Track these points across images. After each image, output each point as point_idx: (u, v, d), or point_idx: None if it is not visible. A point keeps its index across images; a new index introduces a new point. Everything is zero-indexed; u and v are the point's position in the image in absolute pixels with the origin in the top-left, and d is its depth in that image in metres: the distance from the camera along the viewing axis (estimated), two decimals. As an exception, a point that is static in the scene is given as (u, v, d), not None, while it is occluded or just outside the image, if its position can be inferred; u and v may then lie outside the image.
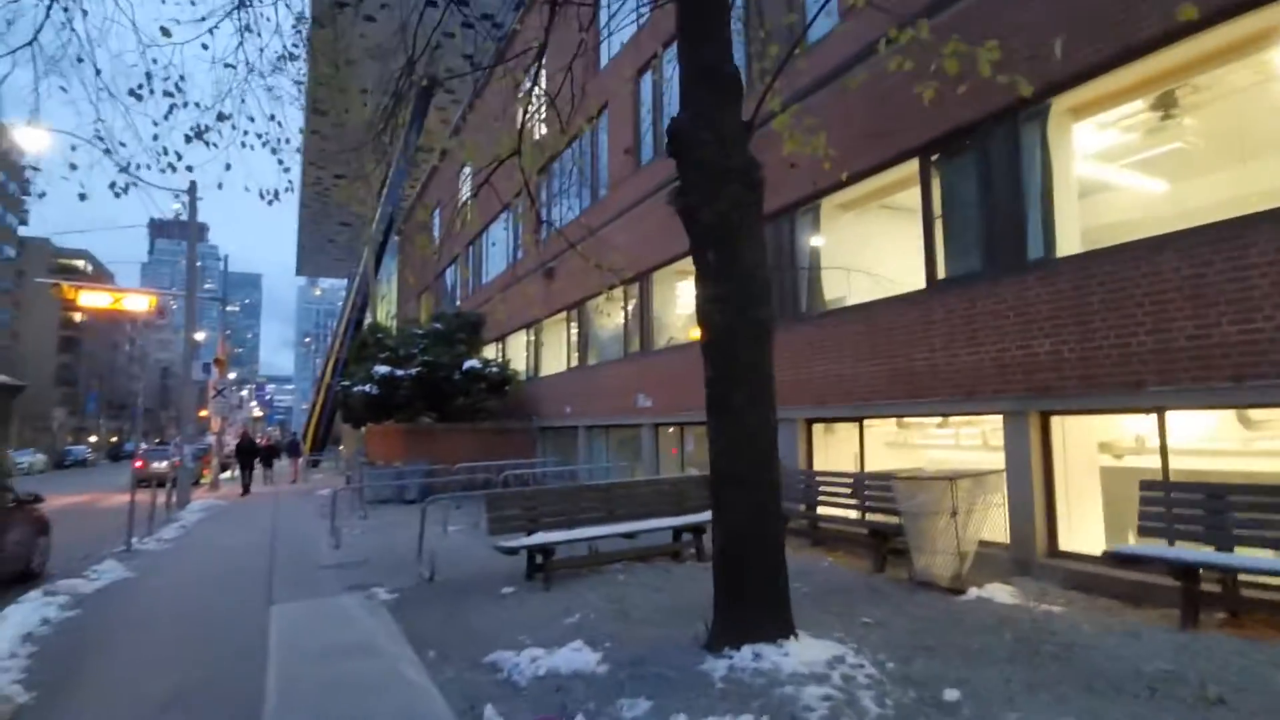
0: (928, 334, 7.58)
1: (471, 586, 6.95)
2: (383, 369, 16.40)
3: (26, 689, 4.62)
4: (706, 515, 7.90)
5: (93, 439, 70.70)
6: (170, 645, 5.55)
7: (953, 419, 8.10)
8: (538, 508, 7.08)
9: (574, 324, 16.90)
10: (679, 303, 13.89)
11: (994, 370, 6.82)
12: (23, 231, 69.19)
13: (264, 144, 6.18)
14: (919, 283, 7.88)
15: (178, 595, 7.39)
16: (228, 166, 6.33)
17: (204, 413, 27.37)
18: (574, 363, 16.69)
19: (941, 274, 7.64)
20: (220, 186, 6.48)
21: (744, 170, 4.37)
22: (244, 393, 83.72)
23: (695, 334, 13.65)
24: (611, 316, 15.65)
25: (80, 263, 74.06)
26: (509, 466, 14.29)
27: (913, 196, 8.70)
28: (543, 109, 12.48)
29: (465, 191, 27.87)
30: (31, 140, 15.80)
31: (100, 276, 72.60)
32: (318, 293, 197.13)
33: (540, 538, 6.73)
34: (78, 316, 74.78)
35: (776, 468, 4.40)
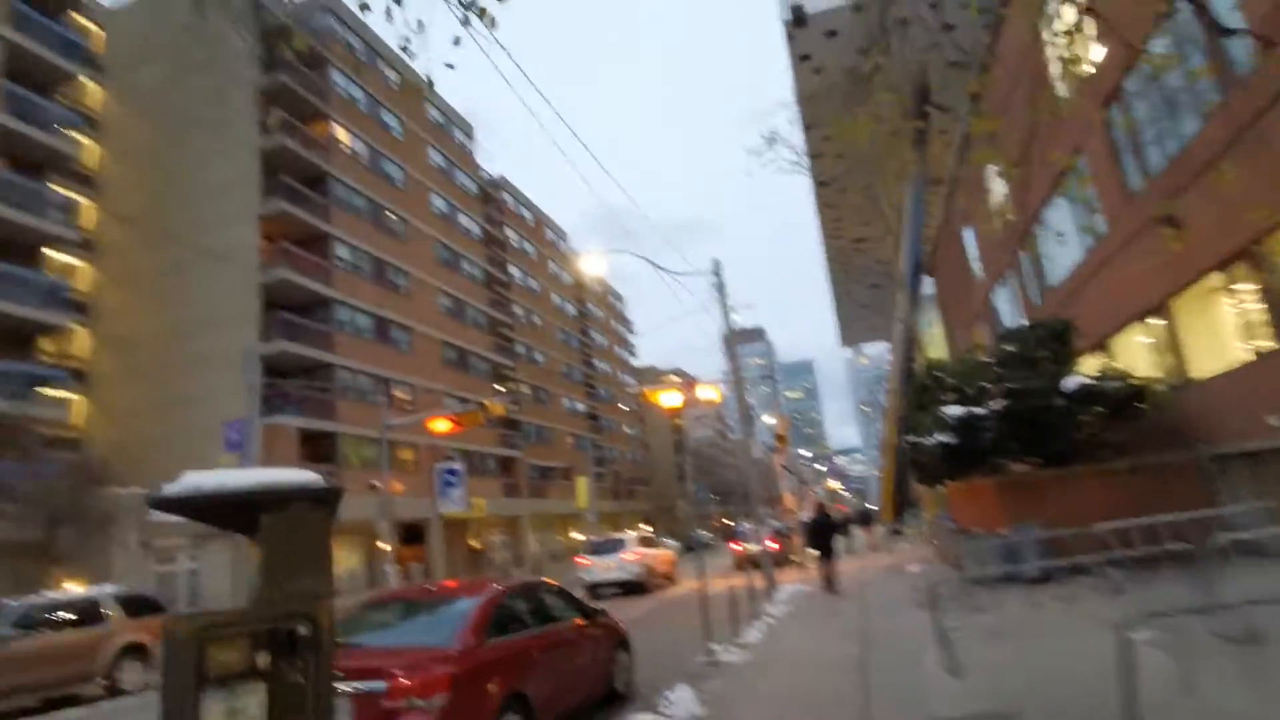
0: None
1: None
2: (954, 410, 12.84)
3: None
4: None
5: (713, 524, 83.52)
6: None
7: None
8: None
9: (1244, 283, 10.68)
10: None
11: None
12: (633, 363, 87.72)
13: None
14: None
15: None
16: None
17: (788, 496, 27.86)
18: (1267, 344, 10.36)
19: None
20: None
21: None
22: (820, 467, 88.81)
23: None
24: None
25: (676, 379, 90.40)
26: (1186, 522, 8.99)
27: None
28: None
29: (997, 190, 23.11)
30: (590, 265, 17.46)
31: (690, 387, 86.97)
32: (864, 361, 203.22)
33: None
34: (681, 422, 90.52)
35: None
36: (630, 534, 22.96)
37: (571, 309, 61.04)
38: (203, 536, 23.14)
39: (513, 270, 49.57)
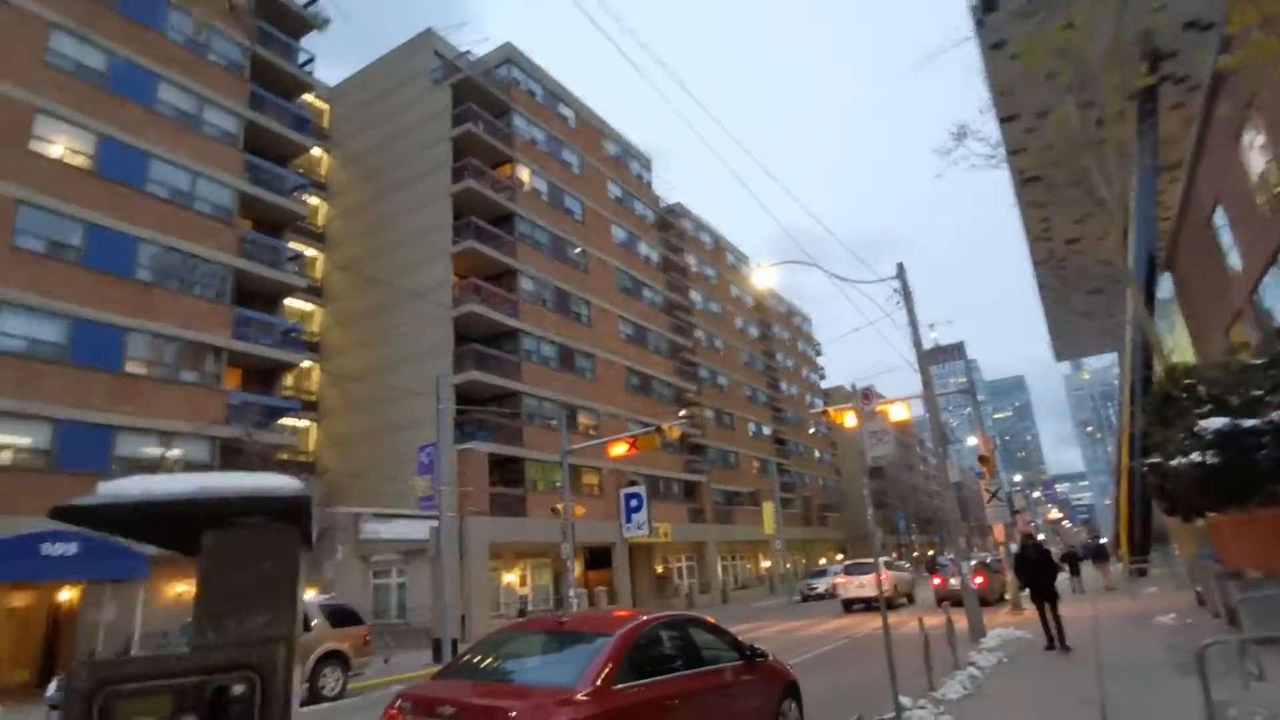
0: None
1: None
2: (1215, 423, 10.32)
3: None
4: None
5: (915, 554, 77.99)
6: None
7: None
8: None
9: None
10: None
11: None
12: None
13: None
14: None
15: None
16: None
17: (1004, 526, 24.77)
18: None
19: None
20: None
21: None
22: (1036, 494, 79.46)
23: None
24: None
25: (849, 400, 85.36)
26: None
27: None
28: None
29: (1258, 158, 19.23)
30: (760, 278, 16.64)
31: (868, 400, 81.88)
32: (1085, 376, 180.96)
33: None
34: (864, 441, 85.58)
35: None
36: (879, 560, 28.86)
37: (755, 331, 60.00)
38: (411, 552, 24.97)
39: (694, 295, 49.69)
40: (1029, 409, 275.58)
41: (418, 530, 23.01)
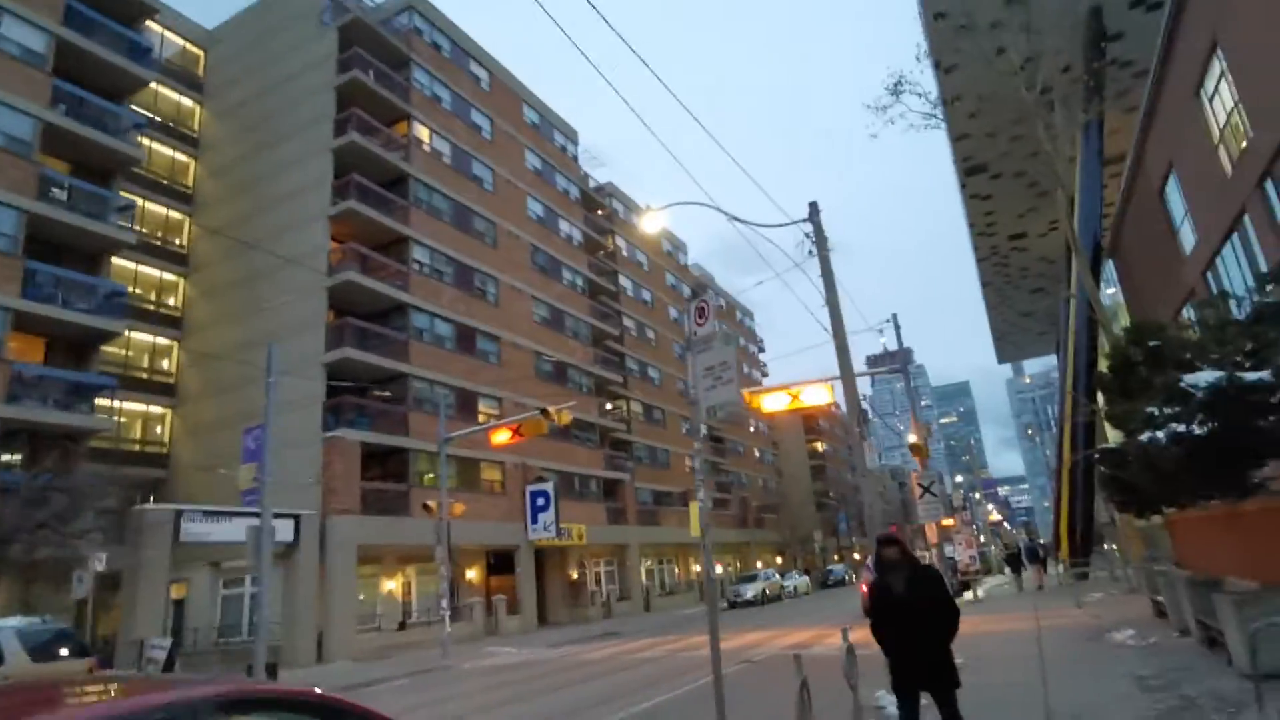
0: None
1: None
2: (1205, 376, 7.58)
3: None
4: None
5: (856, 556, 76.39)
6: None
7: None
8: None
9: None
10: None
11: None
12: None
13: None
14: None
15: None
16: None
17: (948, 521, 22.48)
18: None
19: None
20: None
21: None
22: (976, 495, 78.68)
23: None
24: None
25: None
26: None
27: None
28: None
29: (1223, 104, 17.10)
30: (650, 222, 13.62)
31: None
32: (1027, 380, 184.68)
33: None
34: (820, 446, 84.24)
35: None
36: None
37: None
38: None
39: (623, 281, 46.66)
40: (973, 414, 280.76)
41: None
